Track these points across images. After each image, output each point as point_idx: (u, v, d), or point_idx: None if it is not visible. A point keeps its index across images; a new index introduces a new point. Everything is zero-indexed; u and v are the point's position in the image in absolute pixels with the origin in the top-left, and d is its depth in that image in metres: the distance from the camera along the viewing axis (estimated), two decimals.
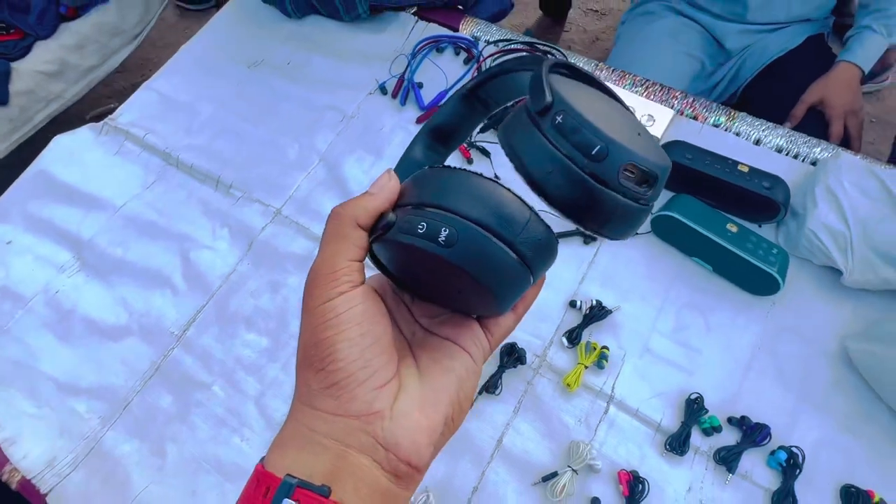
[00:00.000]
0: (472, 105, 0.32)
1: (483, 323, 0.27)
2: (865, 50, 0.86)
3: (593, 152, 0.21)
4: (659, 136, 0.71)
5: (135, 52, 1.26)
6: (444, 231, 0.21)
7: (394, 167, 0.26)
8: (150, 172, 0.82)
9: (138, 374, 0.67)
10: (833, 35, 1.13)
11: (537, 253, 0.23)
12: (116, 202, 0.79)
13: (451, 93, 0.83)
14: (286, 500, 0.20)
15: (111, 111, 0.89)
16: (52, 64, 1.07)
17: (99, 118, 0.88)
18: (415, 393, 0.24)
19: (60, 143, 0.84)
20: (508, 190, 0.23)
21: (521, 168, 0.23)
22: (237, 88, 0.89)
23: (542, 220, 0.23)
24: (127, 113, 0.88)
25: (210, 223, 0.78)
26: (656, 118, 0.71)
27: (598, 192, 0.22)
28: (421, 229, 0.22)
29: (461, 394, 0.25)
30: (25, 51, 1.06)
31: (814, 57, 0.96)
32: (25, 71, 1.04)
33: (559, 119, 0.22)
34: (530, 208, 0.23)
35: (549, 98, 0.22)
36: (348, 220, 0.24)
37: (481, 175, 0.23)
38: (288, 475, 0.21)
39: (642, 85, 0.81)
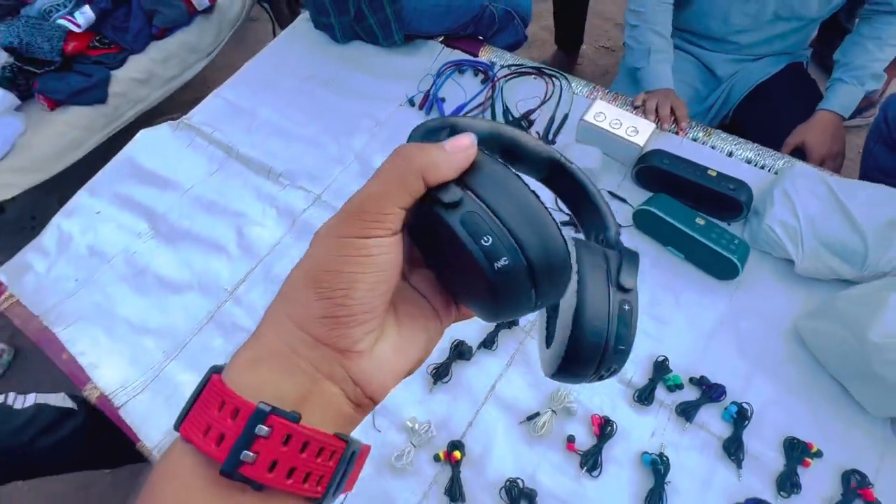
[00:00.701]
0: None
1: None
2: (840, 98, 0.97)
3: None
4: (641, 145, 0.83)
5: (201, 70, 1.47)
6: (504, 260, 0.21)
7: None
8: (214, 162, 0.99)
9: (196, 320, 0.81)
10: (817, 65, 1.25)
11: (553, 306, 0.24)
12: (185, 185, 0.96)
13: (468, 106, 0.98)
14: (260, 425, 0.20)
15: (177, 118, 1.07)
16: (142, 73, 1.29)
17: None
18: (392, 341, 0.24)
19: (144, 136, 1.02)
20: (562, 236, 0.22)
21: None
22: (290, 98, 1.06)
23: (574, 271, 0.24)
24: (198, 115, 1.05)
25: (261, 204, 0.93)
26: (639, 129, 0.84)
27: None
28: (485, 242, 0.21)
29: (426, 350, 0.26)
30: (122, 62, 1.29)
31: (794, 81, 1.08)
32: (121, 78, 1.26)
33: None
34: (569, 253, 0.22)
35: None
36: (415, 168, 0.22)
37: (545, 207, 0.22)
38: (262, 402, 0.21)
39: (625, 105, 0.94)
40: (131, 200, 0.95)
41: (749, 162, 0.87)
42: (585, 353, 0.24)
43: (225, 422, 0.21)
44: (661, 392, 0.69)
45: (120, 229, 0.91)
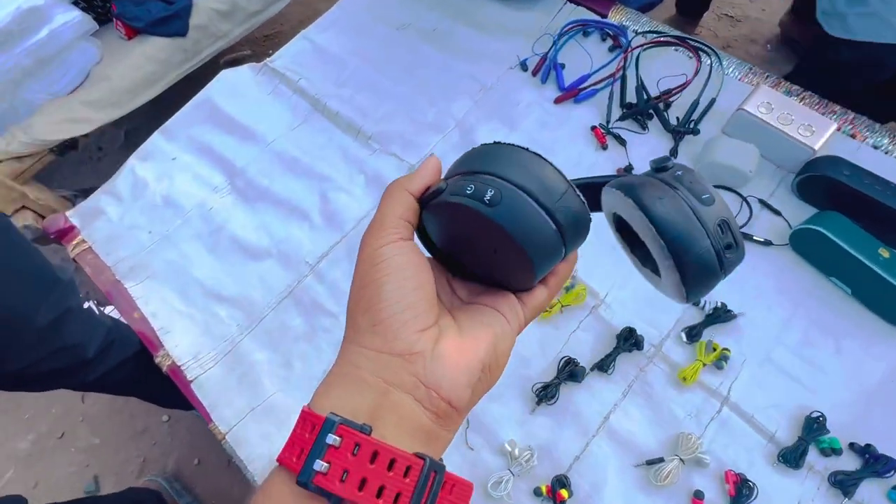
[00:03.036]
0: None
1: (518, 296, 0.29)
2: None
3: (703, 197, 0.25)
4: (815, 149, 0.68)
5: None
6: (490, 192, 0.23)
7: (518, 143, 0.27)
8: (298, 115, 0.89)
9: (274, 292, 0.74)
10: None
11: (570, 223, 0.24)
12: (267, 137, 0.87)
13: (593, 77, 0.84)
14: (330, 435, 0.22)
15: (244, 58, 0.97)
16: (225, 4, 1.18)
17: (233, 63, 0.95)
18: (454, 339, 0.25)
19: (225, 77, 0.92)
20: (549, 163, 0.25)
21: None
22: (384, 48, 0.94)
23: (578, 195, 0.25)
24: (282, 58, 0.94)
25: (348, 169, 0.83)
26: (815, 129, 0.69)
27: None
28: (469, 191, 0.24)
29: (498, 347, 0.26)
30: None
31: None
32: (203, 7, 1.16)
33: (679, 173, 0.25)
34: (568, 182, 0.25)
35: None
36: (399, 185, 0.27)
37: (526, 149, 0.25)
38: (331, 413, 0.22)
39: (798, 95, 0.78)
40: (208, 149, 0.86)
41: None
42: (700, 270, 0.25)
43: (304, 438, 0.23)
44: (811, 454, 0.58)
45: (196, 180, 0.84)
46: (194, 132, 0.88)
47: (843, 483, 0.56)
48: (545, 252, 0.25)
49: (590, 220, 0.26)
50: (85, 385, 0.81)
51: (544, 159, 0.25)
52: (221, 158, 0.85)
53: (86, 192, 0.86)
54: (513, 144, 0.25)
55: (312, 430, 0.22)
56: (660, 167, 0.26)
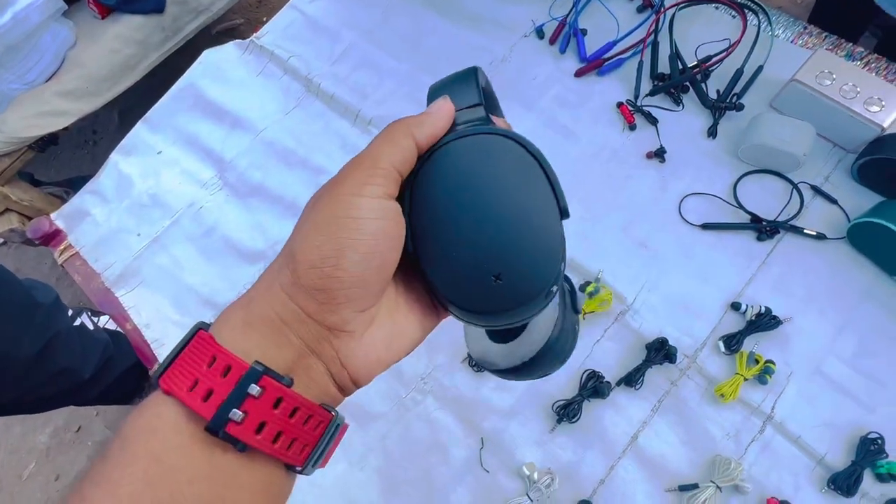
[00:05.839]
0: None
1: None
2: None
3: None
4: (885, 126, 0.58)
5: None
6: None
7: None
8: (291, 98, 0.81)
9: None
10: None
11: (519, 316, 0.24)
12: (258, 125, 0.79)
13: (619, 45, 0.74)
14: (253, 385, 0.20)
15: (237, 26, 0.88)
16: None
17: (225, 32, 0.86)
18: (386, 329, 0.24)
19: (208, 58, 0.84)
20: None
21: None
22: (382, 17, 0.84)
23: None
24: (271, 33, 0.85)
25: (346, 159, 0.75)
26: (885, 102, 0.59)
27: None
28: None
29: (416, 344, 0.25)
30: None
31: None
32: None
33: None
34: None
35: None
36: (404, 127, 0.23)
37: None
38: (256, 361, 0.21)
39: (861, 58, 0.67)
40: (195, 140, 0.80)
41: None
42: (546, 366, 0.26)
43: (214, 378, 0.20)
44: (866, 480, 0.52)
45: (184, 176, 0.78)
46: (179, 121, 0.81)
47: None
48: (532, 313, 0.23)
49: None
50: (87, 402, 0.79)
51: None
52: (209, 151, 0.79)
53: (83, 181, 0.81)
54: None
55: (227, 373, 0.20)
56: None
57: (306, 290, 0.21)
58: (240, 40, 0.85)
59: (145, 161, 0.79)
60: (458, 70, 0.26)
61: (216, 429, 0.20)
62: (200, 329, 0.22)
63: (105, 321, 0.81)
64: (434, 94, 0.26)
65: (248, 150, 0.78)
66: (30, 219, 0.98)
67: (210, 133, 0.80)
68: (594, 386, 0.58)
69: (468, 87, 0.25)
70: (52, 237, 0.76)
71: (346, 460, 0.59)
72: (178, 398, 0.20)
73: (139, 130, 0.81)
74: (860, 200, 0.62)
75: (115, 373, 0.77)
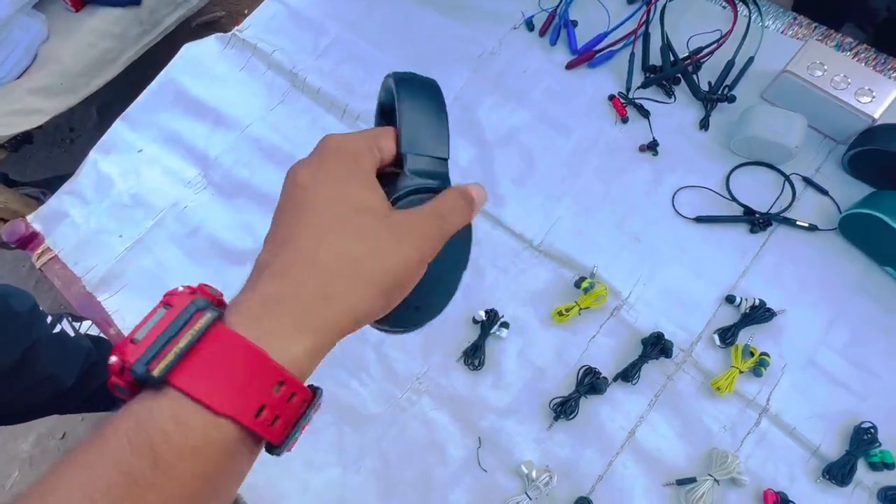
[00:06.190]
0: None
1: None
2: None
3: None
4: (875, 117, 0.58)
5: None
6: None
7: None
8: (275, 93, 0.79)
9: None
10: None
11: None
12: (242, 121, 0.77)
13: (610, 37, 0.73)
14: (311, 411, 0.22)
15: (218, 19, 0.85)
16: None
17: (206, 25, 0.84)
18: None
19: (189, 52, 0.81)
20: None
21: None
22: (366, 8, 0.82)
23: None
24: (253, 26, 0.83)
25: None
26: (875, 93, 0.59)
27: None
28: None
29: None
30: None
31: None
32: None
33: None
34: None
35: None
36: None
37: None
38: (310, 386, 0.23)
39: (850, 49, 0.67)
40: (177, 138, 0.77)
41: None
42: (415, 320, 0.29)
43: (283, 404, 0.21)
44: (860, 469, 0.53)
45: (166, 174, 0.75)
46: (160, 119, 0.78)
47: (895, 500, 0.51)
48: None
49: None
50: (71, 410, 0.76)
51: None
52: (192, 148, 0.76)
53: (60, 181, 0.78)
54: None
55: (291, 399, 0.21)
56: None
57: (276, 301, 0.23)
58: (221, 34, 0.83)
59: (125, 160, 0.76)
60: (426, 78, 0.28)
61: (281, 452, 0.22)
62: (217, 321, 0.22)
63: (87, 327, 0.79)
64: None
65: (232, 148, 0.76)
66: (5, 221, 0.95)
67: (192, 130, 0.77)
68: (591, 382, 0.57)
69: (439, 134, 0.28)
70: (29, 240, 0.73)
71: (340, 464, 0.58)
72: (245, 423, 0.20)
73: (118, 128, 0.78)
74: (851, 191, 0.62)
75: (100, 380, 0.75)
